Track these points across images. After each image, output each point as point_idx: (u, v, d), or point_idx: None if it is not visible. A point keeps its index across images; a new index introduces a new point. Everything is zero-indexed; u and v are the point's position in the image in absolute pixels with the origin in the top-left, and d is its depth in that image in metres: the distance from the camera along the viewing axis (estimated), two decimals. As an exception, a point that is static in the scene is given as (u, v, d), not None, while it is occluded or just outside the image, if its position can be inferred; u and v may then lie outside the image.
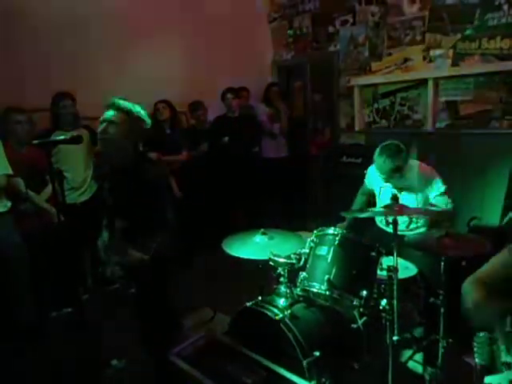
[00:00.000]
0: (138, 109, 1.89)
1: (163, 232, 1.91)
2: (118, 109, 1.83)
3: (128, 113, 1.85)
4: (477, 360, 1.45)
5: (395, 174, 2.40)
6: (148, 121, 1.92)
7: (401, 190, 2.49)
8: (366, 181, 2.81)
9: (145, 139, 2.05)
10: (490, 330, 1.51)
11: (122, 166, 1.93)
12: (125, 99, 1.87)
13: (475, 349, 1.46)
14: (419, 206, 2.50)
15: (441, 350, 2.07)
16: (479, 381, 1.44)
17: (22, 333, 2.54)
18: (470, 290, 1.55)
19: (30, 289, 2.64)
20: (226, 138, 4.13)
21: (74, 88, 3.16)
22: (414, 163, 2.54)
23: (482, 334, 1.45)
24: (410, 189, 2.50)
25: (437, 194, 2.47)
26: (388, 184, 2.53)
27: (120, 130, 1.83)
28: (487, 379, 1.42)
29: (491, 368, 1.43)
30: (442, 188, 2.47)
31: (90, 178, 3.22)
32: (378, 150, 2.42)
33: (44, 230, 2.69)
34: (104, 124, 1.84)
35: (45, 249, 2.73)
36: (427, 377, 2.09)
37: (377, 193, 2.72)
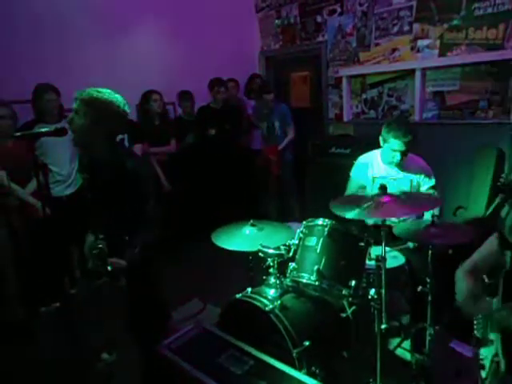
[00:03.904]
0: (108, 97, 1.80)
1: (146, 227, 1.88)
2: (80, 99, 1.78)
3: (90, 102, 1.77)
4: (476, 333, 1.53)
5: (408, 146, 2.39)
6: (125, 110, 1.84)
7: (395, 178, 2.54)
8: (353, 176, 2.73)
9: (126, 130, 1.97)
10: (479, 317, 1.56)
11: (97, 157, 1.87)
12: (98, 90, 1.80)
13: (475, 324, 1.53)
14: (413, 190, 2.55)
15: (428, 338, 2.11)
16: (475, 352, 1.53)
17: (10, 333, 2.50)
18: (461, 280, 1.59)
19: (16, 287, 2.59)
20: (213, 131, 4.10)
21: (59, 79, 3.08)
22: (413, 155, 2.57)
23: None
24: (407, 172, 2.55)
25: (428, 187, 2.57)
26: (382, 173, 2.56)
27: (83, 121, 1.77)
28: (483, 351, 1.50)
29: (483, 342, 1.51)
30: (433, 181, 2.57)
31: (75, 171, 3.16)
32: (392, 125, 2.40)
33: (29, 224, 2.64)
34: (70, 115, 1.81)
35: (31, 244, 2.68)
36: (415, 363, 2.13)
37: (368, 184, 2.69)
